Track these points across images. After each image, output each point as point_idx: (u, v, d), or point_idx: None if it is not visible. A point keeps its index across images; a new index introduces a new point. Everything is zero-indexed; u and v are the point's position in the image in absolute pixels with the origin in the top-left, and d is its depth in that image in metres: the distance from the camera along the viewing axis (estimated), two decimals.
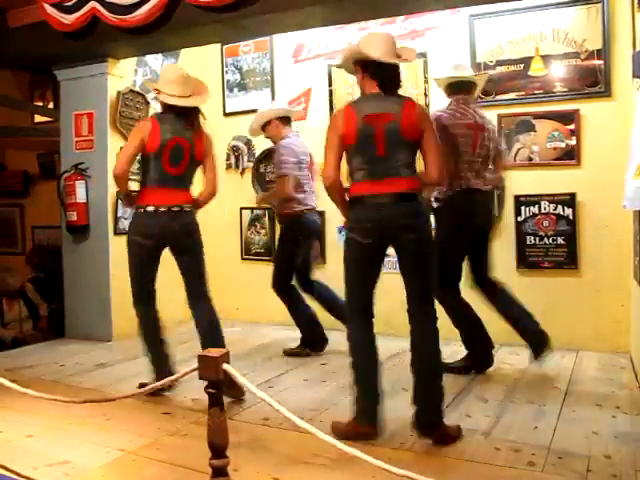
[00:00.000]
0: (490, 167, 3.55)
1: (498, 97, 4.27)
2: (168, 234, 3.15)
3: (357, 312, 2.69)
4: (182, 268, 3.27)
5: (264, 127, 4.11)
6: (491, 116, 4.24)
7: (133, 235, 3.20)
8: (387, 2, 3.57)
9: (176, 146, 3.14)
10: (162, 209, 3.11)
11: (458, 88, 3.49)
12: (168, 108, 3.19)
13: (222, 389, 1.98)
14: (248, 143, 5.18)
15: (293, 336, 4.51)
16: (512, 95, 4.22)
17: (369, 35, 2.84)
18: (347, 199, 2.70)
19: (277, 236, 4.97)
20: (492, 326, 4.25)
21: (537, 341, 3.48)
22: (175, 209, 3.14)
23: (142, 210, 3.14)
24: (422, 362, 2.61)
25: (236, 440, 2.20)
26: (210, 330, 3.19)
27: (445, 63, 4.40)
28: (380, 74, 2.65)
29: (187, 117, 3.19)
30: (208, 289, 3.29)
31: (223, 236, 5.36)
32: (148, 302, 3.27)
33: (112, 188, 4.45)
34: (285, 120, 4.11)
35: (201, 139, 3.24)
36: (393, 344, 3.76)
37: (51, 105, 5.93)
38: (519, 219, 4.22)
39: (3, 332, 5.11)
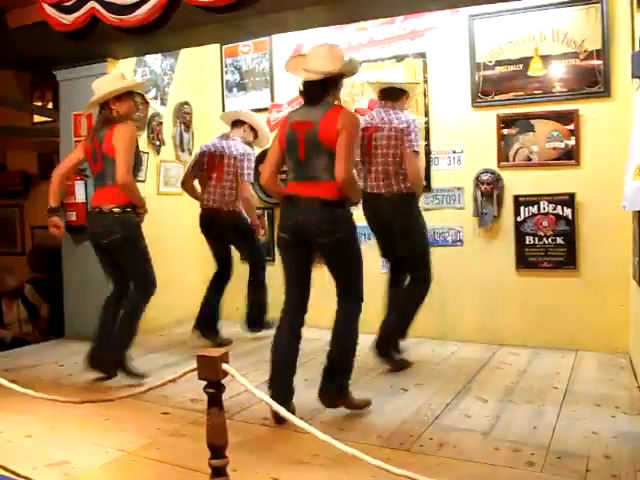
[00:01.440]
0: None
1: (497, 97, 4.26)
2: (94, 236, 3.40)
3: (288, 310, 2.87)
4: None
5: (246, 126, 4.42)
6: (490, 116, 4.27)
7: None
8: (386, 2, 3.56)
9: (93, 148, 3.36)
10: (91, 210, 3.46)
11: (385, 94, 3.69)
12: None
13: (221, 389, 1.98)
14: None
15: None
16: (511, 95, 4.22)
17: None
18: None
19: (275, 237, 5.00)
20: (493, 325, 4.27)
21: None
22: (96, 210, 3.37)
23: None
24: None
25: (235, 440, 2.20)
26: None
27: (444, 63, 4.43)
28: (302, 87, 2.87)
29: (102, 116, 3.39)
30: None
31: None
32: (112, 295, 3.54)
33: None
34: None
35: (111, 133, 3.30)
36: None
37: (50, 105, 5.93)
38: (518, 219, 4.22)
39: (2, 332, 5.10)
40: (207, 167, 4.30)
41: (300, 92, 2.87)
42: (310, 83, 2.81)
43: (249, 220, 4.36)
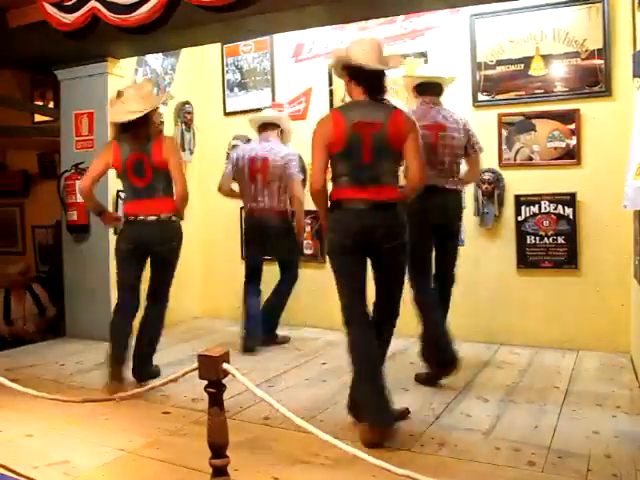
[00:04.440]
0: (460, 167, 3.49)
1: (498, 97, 4.26)
2: (142, 241, 3.37)
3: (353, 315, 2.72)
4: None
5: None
6: (491, 116, 4.27)
7: (117, 241, 3.53)
8: (387, 2, 3.57)
9: (136, 161, 3.34)
10: (139, 218, 3.35)
11: (425, 89, 3.44)
12: (121, 128, 3.37)
13: (222, 388, 1.97)
14: (248, 142, 5.18)
15: (294, 335, 4.51)
16: (512, 95, 4.22)
17: (358, 40, 2.86)
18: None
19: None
20: (493, 325, 4.27)
21: (443, 363, 3.34)
22: (151, 219, 3.35)
23: (125, 219, 3.45)
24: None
25: (236, 440, 2.20)
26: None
27: (445, 63, 4.42)
28: (366, 80, 2.69)
29: (138, 132, 3.34)
30: (164, 296, 3.56)
31: (223, 236, 5.36)
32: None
33: (112, 188, 4.45)
34: None
35: (160, 148, 3.35)
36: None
37: (51, 105, 5.93)
38: (519, 219, 4.22)
39: (2, 328, 5.07)
40: (250, 171, 4.20)
41: (365, 87, 2.69)
42: (379, 76, 2.72)
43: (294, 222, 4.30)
